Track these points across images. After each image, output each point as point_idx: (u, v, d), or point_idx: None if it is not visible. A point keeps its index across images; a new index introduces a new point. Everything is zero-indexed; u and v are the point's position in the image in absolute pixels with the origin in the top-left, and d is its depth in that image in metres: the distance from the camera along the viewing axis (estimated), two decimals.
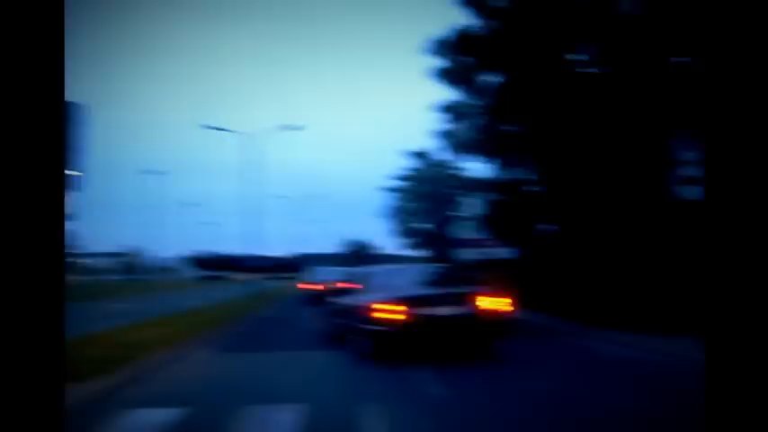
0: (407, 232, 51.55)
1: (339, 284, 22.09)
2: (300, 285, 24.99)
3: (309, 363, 10.03)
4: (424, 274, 11.88)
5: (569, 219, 16.47)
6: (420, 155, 47.06)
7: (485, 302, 9.60)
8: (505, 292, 9.85)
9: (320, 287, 24.42)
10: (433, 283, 10.79)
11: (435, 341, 9.63)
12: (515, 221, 19.23)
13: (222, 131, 36.85)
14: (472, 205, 25.05)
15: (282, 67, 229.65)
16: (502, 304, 9.72)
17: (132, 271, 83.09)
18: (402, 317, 9.21)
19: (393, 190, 51.47)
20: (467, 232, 26.31)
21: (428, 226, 47.83)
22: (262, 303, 27.24)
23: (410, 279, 10.94)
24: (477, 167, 21.89)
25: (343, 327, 11.38)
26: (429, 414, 6.19)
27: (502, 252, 22.70)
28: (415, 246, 51.82)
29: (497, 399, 6.79)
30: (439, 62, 18.03)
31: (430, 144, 38.46)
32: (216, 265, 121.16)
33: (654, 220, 12.80)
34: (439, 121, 23.39)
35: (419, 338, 9.43)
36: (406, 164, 49.64)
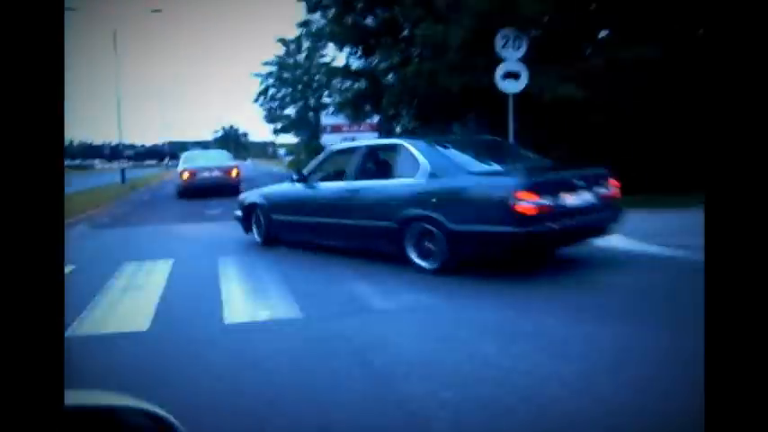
0: (277, 118, 52.43)
1: (226, 172, 20.88)
2: (179, 173, 21.65)
3: (180, 233, 11.38)
4: (491, 147, 8.32)
5: (420, 104, 18.22)
6: (289, 42, 47.39)
7: (605, 187, 7.02)
8: (615, 174, 7.30)
9: (199, 174, 20.99)
10: (521, 160, 7.86)
11: (561, 242, 6.85)
12: (376, 107, 20.92)
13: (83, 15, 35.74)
14: (336, 91, 26.26)
15: None
16: (616, 189, 7.19)
17: None
18: (535, 209, 6.05)
19: (264, 76, 51.78)
20: (331, 118, 27.63)
21: (295, 112, 48.93)
22: (131, 190, 27.75)
23: (479, 154, 7.61)
24: (341, 55, 23.00)
25: (325, 227, 8.13)
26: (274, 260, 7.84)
27: (365, 137, 24.31)
28: (283, 131, 53.02)
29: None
30: None
31: (298, 32, 39.06)
32: (82, 155, 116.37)
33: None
34: (305, 11, 24.08)
35: (548, 240, 6.48)
36: (276, 51, 49.98)
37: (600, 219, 6.85)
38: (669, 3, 13.33)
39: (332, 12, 20.11)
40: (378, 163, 8.22)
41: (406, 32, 17.88)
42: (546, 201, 6.10)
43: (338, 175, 8.32)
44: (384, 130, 24.31)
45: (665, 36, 12.99)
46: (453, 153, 7.25)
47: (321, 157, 8.98)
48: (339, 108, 24.62)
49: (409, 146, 7.27)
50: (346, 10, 19.02)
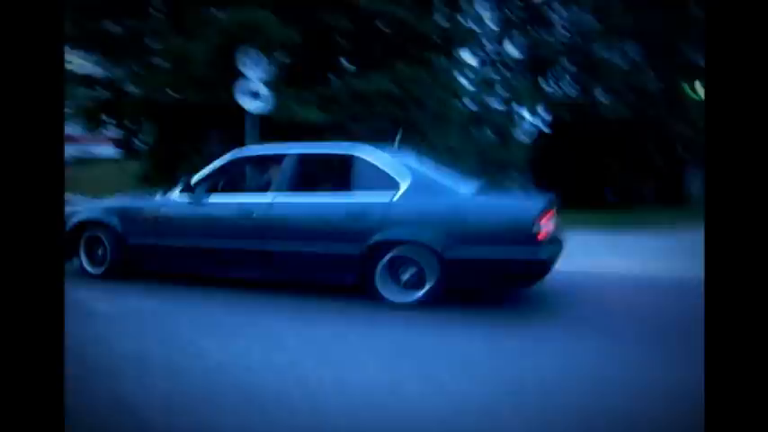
0: None
1: None
2: None
3: None
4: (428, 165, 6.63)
5: (163, 118, 17.85)
6: None
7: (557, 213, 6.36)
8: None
9: None
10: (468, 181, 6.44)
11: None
12: (117, 119, 20.05)
13: None
14: (73, 99, 24.67)
15: None
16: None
17: None
18: (546, 234, 5.55)
19: None
20: (66, 128, 25.85)
21: None
22: None
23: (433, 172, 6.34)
24: (80, 62, 21.64)
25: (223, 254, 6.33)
26: None
27: (103, 150, 23.05)
28: None
29: None
30: None
31: None
32: None
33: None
34: None
35: (550, 267, 5.74)
36: None
37: (559, 246, 6.17)
38: (406, 39, 14.78)
39: (72, 15, 19.00)
40: (318, 175, 6.72)
41: (152, 44, 17.51)
42: (549, 226, 5.60)
43: (235, 187, 6.82)
44: (125, 144, 23.23)
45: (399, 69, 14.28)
46: (425, 168, 6.17)
47: (218, 163, 6.67)
48: (76, 117, 23.15)
49: (370, 157, 5.99)
50: (89, 16, 18.09)
